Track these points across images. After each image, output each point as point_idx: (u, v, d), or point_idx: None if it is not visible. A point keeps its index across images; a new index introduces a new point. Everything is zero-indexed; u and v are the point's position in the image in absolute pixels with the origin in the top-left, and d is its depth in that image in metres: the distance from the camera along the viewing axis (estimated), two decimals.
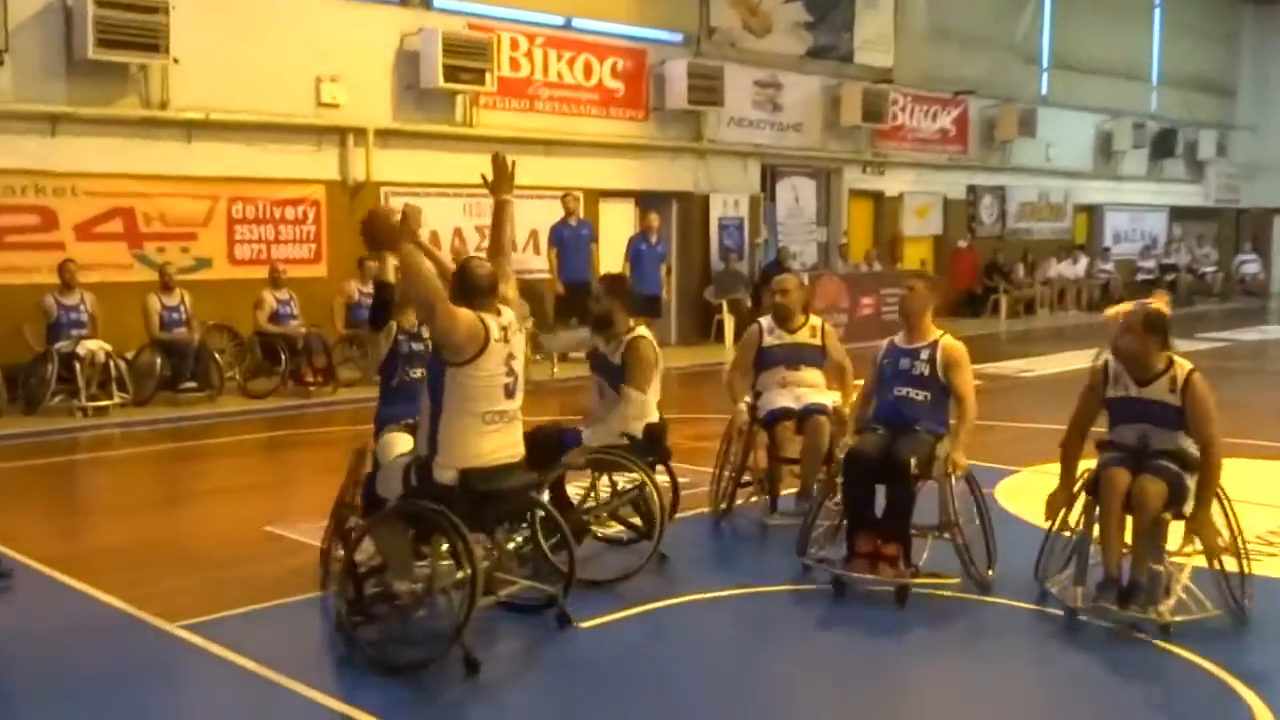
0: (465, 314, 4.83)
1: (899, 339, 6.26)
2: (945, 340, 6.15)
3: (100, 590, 5.97)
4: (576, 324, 14.22)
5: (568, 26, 16.40)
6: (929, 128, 21.92)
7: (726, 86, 17.42)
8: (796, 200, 19.77)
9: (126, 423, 11.09)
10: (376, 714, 4.50)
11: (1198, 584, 5.38)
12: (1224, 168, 29.04)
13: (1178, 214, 28.55)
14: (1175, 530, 5.41)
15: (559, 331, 14.94)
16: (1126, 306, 6.10)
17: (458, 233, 14.82)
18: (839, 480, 5.99)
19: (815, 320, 7.25)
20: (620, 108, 16.86)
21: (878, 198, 21.37)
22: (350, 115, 14.02)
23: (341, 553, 5.41)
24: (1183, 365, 5.40)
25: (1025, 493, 7.53)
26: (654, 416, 6.32)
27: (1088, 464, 5.63)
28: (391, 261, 5.54)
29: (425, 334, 5.49)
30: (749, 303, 17.42)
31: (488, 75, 14.74)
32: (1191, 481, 5.32)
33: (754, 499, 7.26)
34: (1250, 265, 28.56)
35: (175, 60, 12.39)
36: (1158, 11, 27.34)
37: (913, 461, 5.73)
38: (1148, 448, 5.38)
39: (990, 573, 5.89)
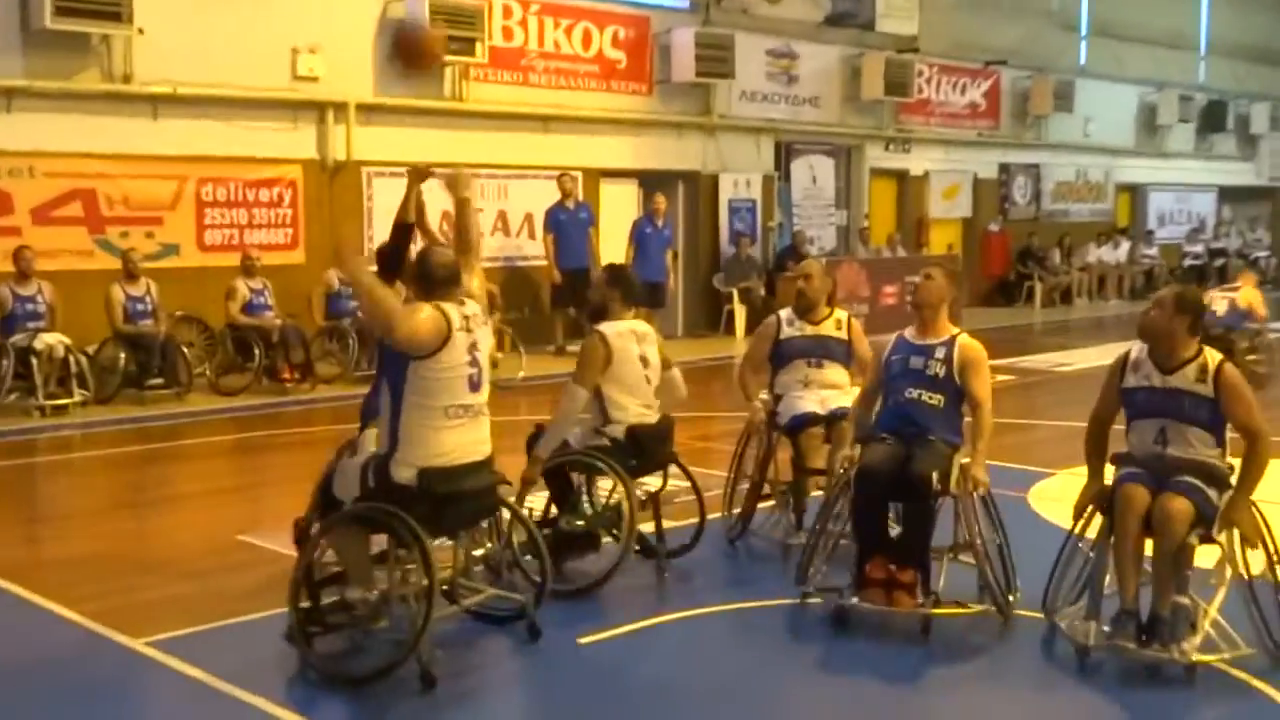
0: (425, 319, 4.90)
1: (910, 334, 5.99)
2: (963, 338, 5.90)
3: (59, 604, 5.96)
4: (574, 314, 14.23)
5: None
6: (957, 101, 21.89)
7: (737, 57, 17.38)
8: (814, 180, 19.75)
9: (88, 423, 11.09)
10: None
11: (1228, 616, 5.12)
12: (1278, 144, 28.97)
13: (1227, 194, 28.51)
14: (1203, 556, 5.14)
15: (557, 322, 14.94)
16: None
17: (446, 216, 14.76)
18: (833, 497, 5.81)
19: (840, 313, 7.05)
20: (622, 80, 16.84)
21: (901, 177, 21.35)
22: (329, 89, 14.01)
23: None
24: (1213, 354, 5.19)
25: (1061, 498, 7.51)
26: (638, 418, 6.30)
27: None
28: (416, 194, 5.69)
29: None
30: (762, 291, 17.43)
31: (478, 45, 14.71)
32: (1220, 500, 5.10)
33: (774, 515, 6.99)
34: None
35: (140, 30, 12.37)
36: None
37: (934, 476, 5.52)
38: (1166, 446, 5.16)
39: (1013, 598, 5.67)
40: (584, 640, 5.45)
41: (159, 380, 11.90)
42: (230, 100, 13.26)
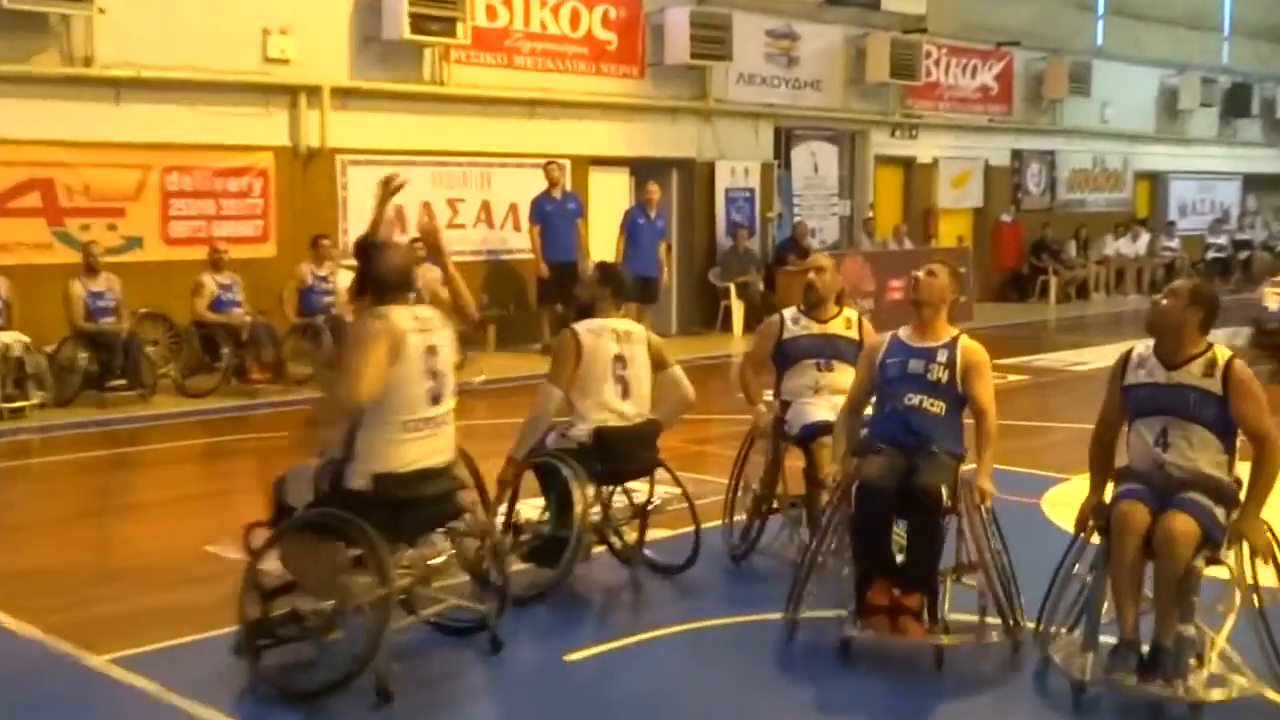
0: (374, 358, 4.92)
1: (906, 334, 5.79)
2: (964, 341, 5.74)
3: (14, 618, 5.95)
4: (561, 310, 14.23)
5: None
6: (967, 84, 21.93)
7: (735, 38, 17.38)
8: (815, 168, 19.78)
9: (46, 426, 11.08)
10: None
11: (1238, 646, 4.92)
12: None
13: (1253, 183, 28.60)
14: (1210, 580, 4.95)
15: (543, 319, 14.89)
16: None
17: (426, 206, 14.80)
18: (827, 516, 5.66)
19: (850, 311, 6.93)
20: (612, 63, 16.84)
21: (908, 165, 21.39)
22: (302, 72, 14.00)
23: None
24: (1223, 350, 5.05)
25: (1075, 504, 7.46)
26: (607, 420, 6.30)
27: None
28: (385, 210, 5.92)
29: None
30: (760, 286, 17.45)
31: (460, 25, 14.70)
32: (1228, 520, 4.93)
33: (783, 531, 6.86)
34: None
35: (101, 10, 12.35)
36: None
37: (944, 490, 5.32)
38: (1167, 450, 5.00)
39: (1021, 622, 5.48)
40: (571, 657, 5.45)
41: (122, 381, 11.90)
42: (197, 84, 13.24)
